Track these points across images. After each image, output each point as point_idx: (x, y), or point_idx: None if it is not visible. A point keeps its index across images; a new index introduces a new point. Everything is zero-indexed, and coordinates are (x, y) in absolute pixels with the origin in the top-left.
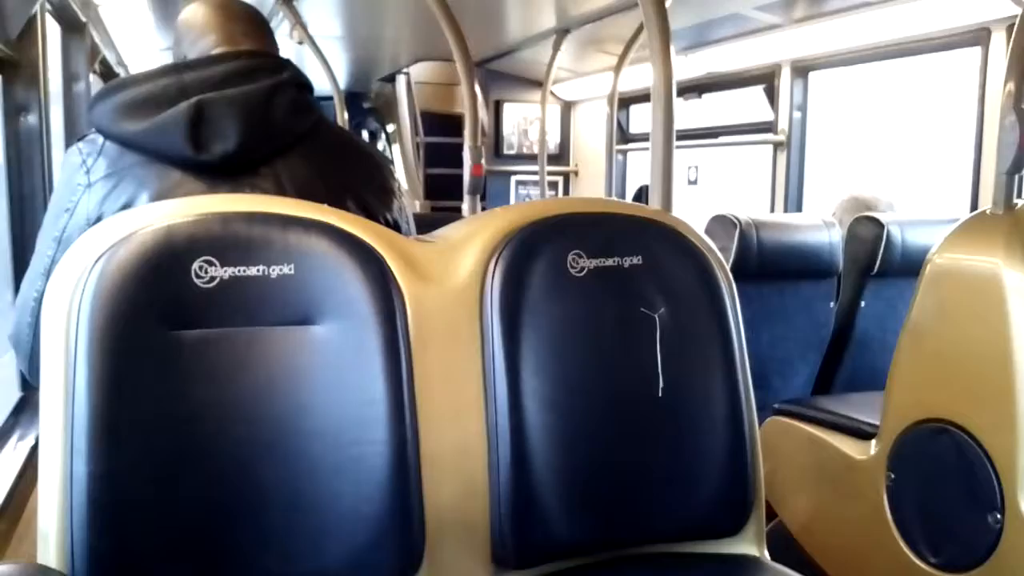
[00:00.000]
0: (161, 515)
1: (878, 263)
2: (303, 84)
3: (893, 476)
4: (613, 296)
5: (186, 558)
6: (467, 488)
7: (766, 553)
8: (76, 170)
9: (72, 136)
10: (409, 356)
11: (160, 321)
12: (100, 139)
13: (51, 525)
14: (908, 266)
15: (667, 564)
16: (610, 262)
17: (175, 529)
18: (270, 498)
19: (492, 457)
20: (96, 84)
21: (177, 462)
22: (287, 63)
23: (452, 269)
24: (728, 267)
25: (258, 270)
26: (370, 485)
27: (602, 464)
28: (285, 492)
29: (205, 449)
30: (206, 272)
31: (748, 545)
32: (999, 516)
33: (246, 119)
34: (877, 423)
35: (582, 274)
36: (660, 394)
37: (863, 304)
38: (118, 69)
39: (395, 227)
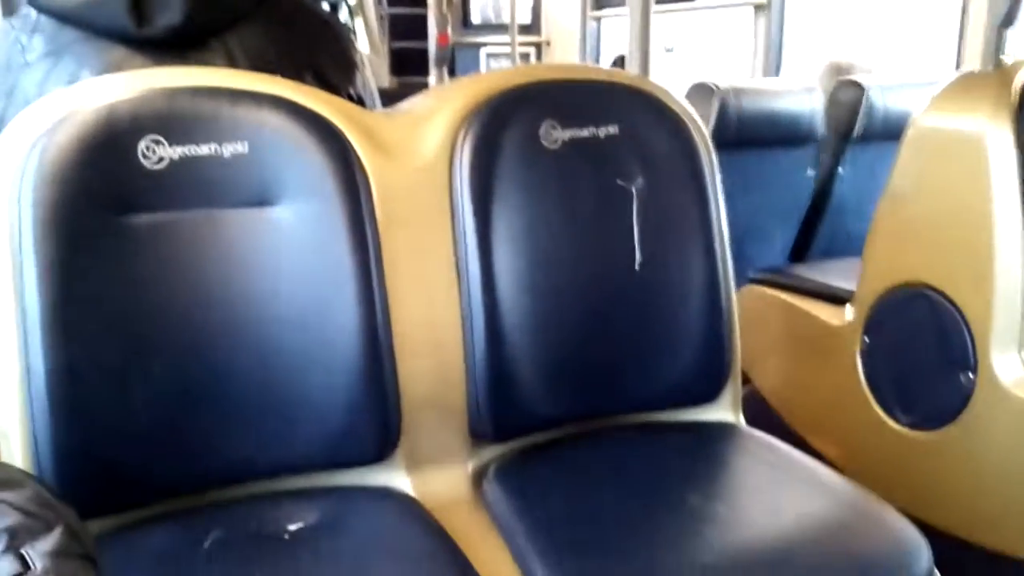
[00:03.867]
0: (125, 406)
1: (858, 128)
2: None
3: (868, 340)
4: (589, 168)
5: (154, 449)
6: (442, 368)
7: (742, 419)
8: (11, 49)
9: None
10: (376, 237)
11: (108, 206)
12: (34, 14)
13: (12, 424)
14: (888, 130)
15: (644, 432)
16: (585, 132)
17: (140, 420)
18: (238, 386)
19: (467, 336)
20: None
21: (138, 352)
22: None
23: (418, 144)
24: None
25: (209, 149)
26: (342, 370)
27: (579, 338)
28: (253, 379)
29: (166, 338)
30: (153, 152)
31: (724, 412)
32: (971, 376)
33: None
34: (853, 289)
35: (556, 146)
36: (637, 268)
37: (841, 170)
38: None
39: (359, 103)
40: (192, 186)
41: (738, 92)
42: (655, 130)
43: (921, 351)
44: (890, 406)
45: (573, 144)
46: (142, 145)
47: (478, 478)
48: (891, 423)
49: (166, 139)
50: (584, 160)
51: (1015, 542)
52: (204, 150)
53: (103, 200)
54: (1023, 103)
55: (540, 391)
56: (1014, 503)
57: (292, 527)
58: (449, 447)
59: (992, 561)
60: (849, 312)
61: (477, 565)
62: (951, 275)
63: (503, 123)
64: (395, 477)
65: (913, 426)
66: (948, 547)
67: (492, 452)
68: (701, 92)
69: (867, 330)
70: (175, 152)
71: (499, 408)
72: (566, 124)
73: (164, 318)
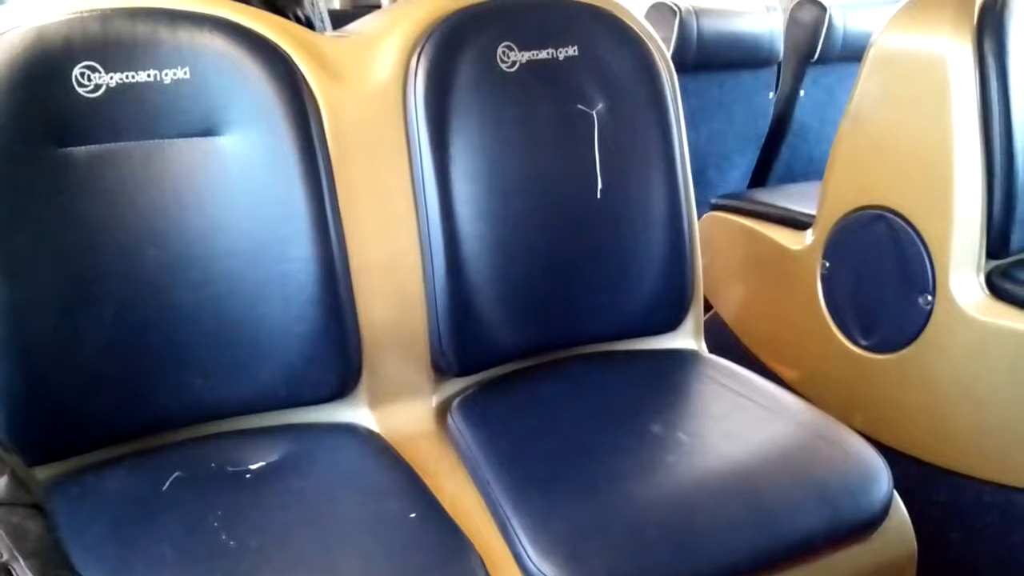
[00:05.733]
0: (74, 346)
1: (819, 49)
2: None
3: (828, 264)
4: (548, 92)
5: (106, 391)
6: (403, 300)
7: (704, 346)
8: None
9: None
10: (328, 165)
11: (44, 137)
12: None
13: None
14: (849, 52)
15: (606, 362)
16: (544, 54)
17: (90, 361)
18: (192, 322)
19: (427, 268)
20: None
21: (86, 289)
22: None
23: (370, 68)
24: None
25: (149, 75)
26: (299, 304)
27: (540, 268)
28: (207, 315)
29: (114, 274)
30: (89, 80)
31: (686, 339)
32: (930, 298)
33: None
34: (813, 213)
35: (514, 69)
36: (598, 195)
37: (802, 93)
38: None
39: (307, 25)
40: (132, 115)
41: (699, 12)
42: (616, 52)
43: (880, 274)
44: (849, 329)
45: (531, 67)
46: (76, 72)
47: (442, 412)
48: (850, 346)
49: (102, 65)
50: (543, 83)
51: (971, 462)
52: (143, 77)
53: (38, 130)
54: (983, 22)
55: (502, 323)
56: (971, 424)
57: (254, 465)
58: (412, 382)
59: (949, 480)
60: (809, 236)
61: (442, 499)
62: (910, 198)
63: (458, 45)
64: (358, 413)
65: (872, 349)
66: (907, 468)
67: (455, 386)
68: (661, 13)
69: (826, 254)
70: (112, 79)
71: (461, 341)
72: (524, 45)
73: (111, 254)
